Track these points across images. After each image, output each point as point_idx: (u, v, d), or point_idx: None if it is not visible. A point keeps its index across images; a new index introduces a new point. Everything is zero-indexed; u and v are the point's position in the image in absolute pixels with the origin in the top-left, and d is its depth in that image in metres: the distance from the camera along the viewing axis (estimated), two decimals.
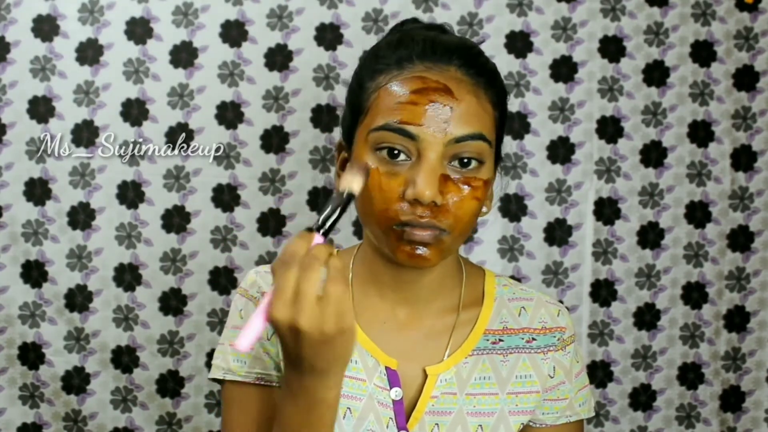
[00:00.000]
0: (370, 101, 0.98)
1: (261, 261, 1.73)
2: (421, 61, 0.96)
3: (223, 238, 1.73)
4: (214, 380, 1.09)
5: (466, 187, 0.95)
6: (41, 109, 1.69)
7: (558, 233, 1.77)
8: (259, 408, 1.04)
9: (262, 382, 1.04)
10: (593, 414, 1.16)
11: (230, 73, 1.71)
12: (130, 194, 1.72)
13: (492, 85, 0.99)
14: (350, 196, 0.83)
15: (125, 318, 1.73)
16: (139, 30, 1.70)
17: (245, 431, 1.03)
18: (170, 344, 1.74)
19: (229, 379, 1.06)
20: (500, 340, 1.08)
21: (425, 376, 1.05)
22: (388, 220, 0.96)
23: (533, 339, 1.09)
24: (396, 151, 0.95)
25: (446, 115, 0.93)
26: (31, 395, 1.73)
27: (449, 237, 0.97)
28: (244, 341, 0.77)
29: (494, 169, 1.01)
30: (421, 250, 0.96)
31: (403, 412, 1.04)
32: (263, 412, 1.04)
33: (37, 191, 1.70)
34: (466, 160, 0.95)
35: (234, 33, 1.71)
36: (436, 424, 1.04)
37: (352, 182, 0.84)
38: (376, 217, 0.97)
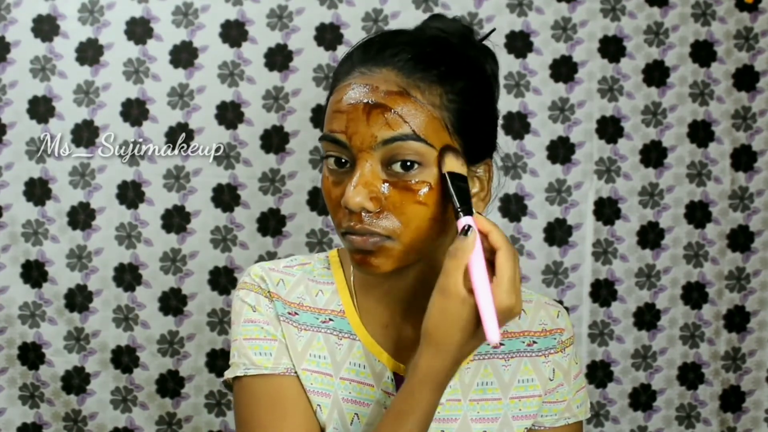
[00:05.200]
0: (326, 109, 1.00)
1: (261, 261, 1.73)
2: (357, 67, 0.96)
3: (223, 238, 1.73)
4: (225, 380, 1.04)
5: (405, 191, 0.93)
6: (41, 109, 1.69)
7: (558, 233, 1.77)
8: (291, 398, 1.01)
9: (291, 373, 1.02)
10: (589, 415, 1.16)
11: (230, 73, 1.71)
12: (130, 194, 1.72)
13: (443, 82, 0.94)
14: (461, 177, 0.91)
15: (125, 318, 1.73)
16: (139, 30, 1.69)
17: (277, 424, 1.00)
18: (170, 344, 1.74)
19: (252, 373, 1.02)
20: (501, 344, 1.07)
21: None
22: (337, 226, 0.96)
23: (534, 342, 1.08)
24: (343, 160, 0.94)
25: (370, 120, 0.92)
26: (31, 395, 1.73)
27: (397, 244, 0.94)
28: (496, 333, 0.84)
29: (464, 168, 0.96)
30: (367, 257, 0.95)
31: None
32: (295, 403, 1.01)
33: (37, 191, 1.70)
34: (407, 163, 0.92)
35: (234, 33, 1.71)
36: (442, 431, 1.04)
37: (451, 166, 0.91)
38: (334, 223, 0.98)
